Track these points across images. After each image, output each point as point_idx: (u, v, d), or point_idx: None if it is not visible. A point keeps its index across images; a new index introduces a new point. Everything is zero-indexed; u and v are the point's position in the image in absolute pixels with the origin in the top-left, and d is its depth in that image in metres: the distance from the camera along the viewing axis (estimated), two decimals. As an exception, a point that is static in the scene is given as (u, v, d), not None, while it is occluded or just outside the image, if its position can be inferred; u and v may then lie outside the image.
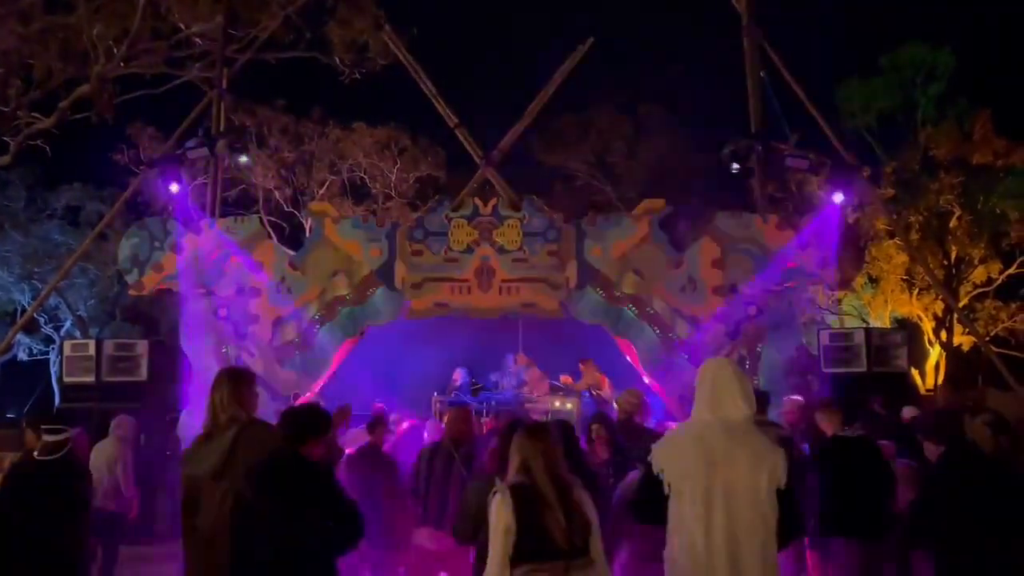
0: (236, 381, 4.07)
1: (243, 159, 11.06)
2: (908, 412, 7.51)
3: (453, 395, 12.33)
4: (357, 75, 16.23)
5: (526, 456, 3.48)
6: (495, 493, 3.43)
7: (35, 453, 4.57)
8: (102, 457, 7.05)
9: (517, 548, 3.30)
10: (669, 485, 3.38)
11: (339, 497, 3.69)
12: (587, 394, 11.46)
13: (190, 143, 10.81)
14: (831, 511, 5.24)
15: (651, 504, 3.44)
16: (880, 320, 19.55)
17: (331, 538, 3.63)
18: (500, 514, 3.33)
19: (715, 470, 3.32)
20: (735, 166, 10.50)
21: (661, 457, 3.48)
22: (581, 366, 11.53)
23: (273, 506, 3.53)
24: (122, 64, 14.08)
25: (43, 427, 4.57)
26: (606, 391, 11.24)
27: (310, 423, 3.81)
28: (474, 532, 4.02)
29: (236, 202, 20.24)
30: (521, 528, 3.30)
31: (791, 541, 3.54)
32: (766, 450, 3.37)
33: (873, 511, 5.23)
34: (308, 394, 10.35)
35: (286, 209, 21.64)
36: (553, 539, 3.30)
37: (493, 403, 12.18)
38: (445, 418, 6.43)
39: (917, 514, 4.45)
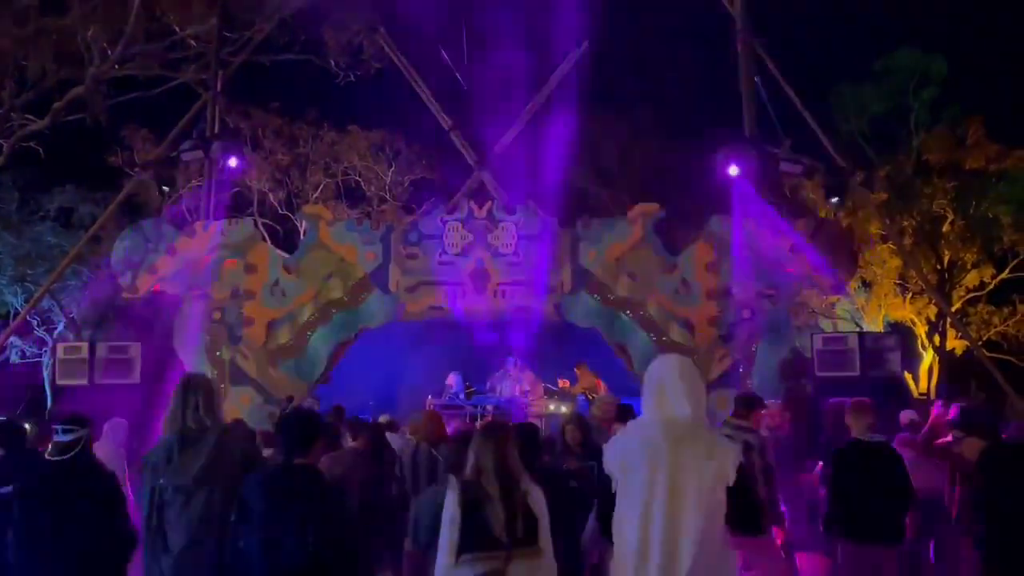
0: (209, 388, 4.08)
1: (233, 163, 11.01)
2: (906, 416, 7.52)
3: (447, 398, 12.34)
4: (352, 78, 16.22)
5: (478, 454, 3.73)
6: (449, 488, 3.69)
7: (46, 454, 4.53)
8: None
9: (462, 538, 3.54)
10: (616, 483, 3.41)
11: (337, 511, 3.69)
12: (582, 397, 11.47)
13: (184, 145, 10.81)
14: (843, 515, 5.20)
15: (610, 507, 3.46)
16: (873, 324, 19.58)
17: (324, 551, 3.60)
18: (448, 507, 3.61)
19: (656, 468, 3.30)
20: (731, 170, 10.51)
21: (609, 456, 3.50)
22: (577, 370, 11.54)
23: (268, 514, 3.53)
24: (116, 66, 14.04)
25: (57, 427, 4.54)
26: (601, 394, 11.25)
27: (308, 432, 3.80)
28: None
29: (230, 204, 20.18)
30: (465, 520, 3.55)
31: (745, 535, 3.51)
32: (712, 449, 3.34)
33: (887, 517, 5.17)
34: (302, 397, 10.33)
35: (280, 212, 21.61)
36: (492, 531, 3.54)
37: (488, 407, 12.19)
38: (411, 422, 6.44)
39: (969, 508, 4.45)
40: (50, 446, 4.49)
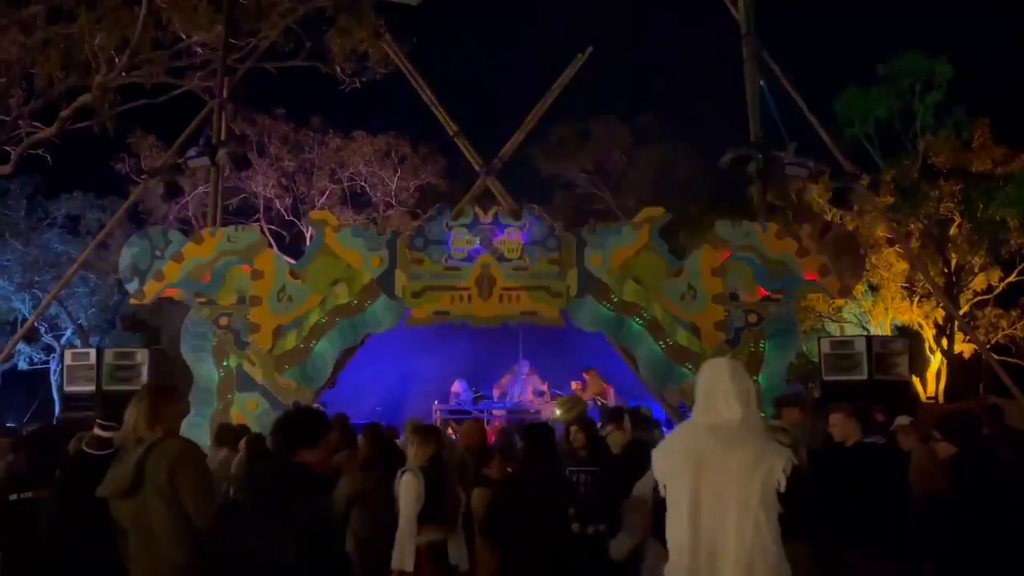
0: (155, 397, 3.98)
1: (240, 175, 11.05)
2: (902, 421, 7.47)
3: (454, 404, 12.36)
4: (357, 84, 16.28)
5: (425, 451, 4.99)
6: (403, 472, 4.85)
7: (83, 445, 4.59)
8: None
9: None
10: (664, 488, 3.34)
11: (325, 510, 3.74)
12: (591, 403, 11.49)
13: (191, 152, 10.83)
14: (844, 519, 5.17)
15: (662, 511, 3.41)
16: (880, 328, 19.55)
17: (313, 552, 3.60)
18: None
19: (702, 473, 3.23)
20: (736, 174, 10.51)
21: (657, 461, 3.44)
22: (586, 375, 11.54)
23: (261, 513, 3.55)
24: (123, 74, 14.10)
25: (98, 421, 4.59)
26: (610, 400, 11.26)
27: (304, 430, 3.82)
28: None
29: (237, 211, 20.28)
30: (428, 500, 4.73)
31: (795, 541, 3.45)
32: (762, 453, 3.25)
33: (887, 521, 5.14)
34: (308, 403, 10.35)
35: (286, 218, 21.69)
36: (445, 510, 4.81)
37: (494, 411, 12.20)
38: (453, 429, 6.49)
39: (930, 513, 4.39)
40: (86, 440, 4.55)
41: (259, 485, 3.92)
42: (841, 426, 5.48)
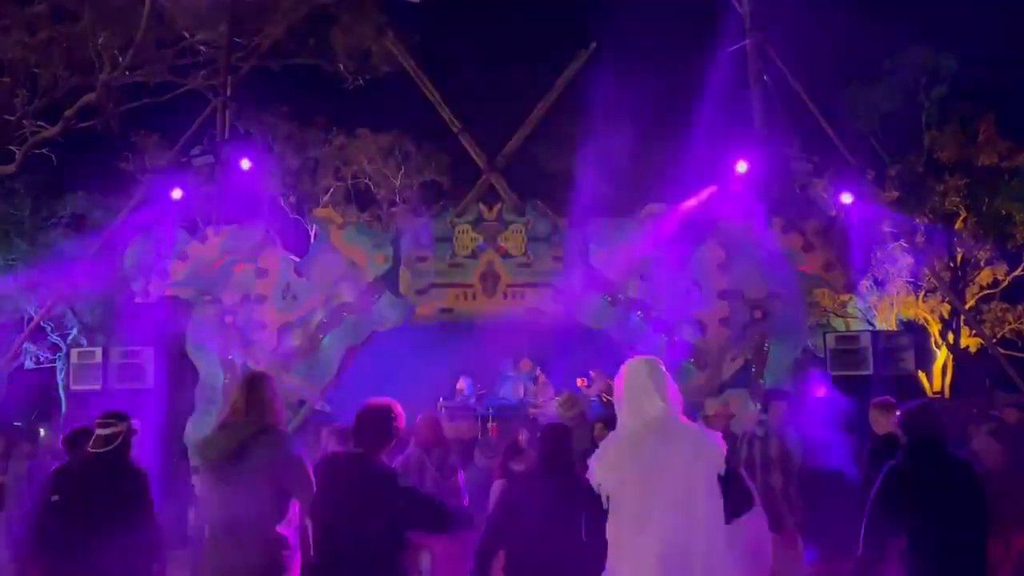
0: (251, 386, 4.16)
1: (245, 164, 11.03)
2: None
3: (458, 401, 12.37)
4: (360, 82, 16.28)
5: None
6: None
7: (88, 447, 4.60)
8: None
9: None
10: (607, 499, 3.25)
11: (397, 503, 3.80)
12: (596, 399, 11.50)
13: (195, 151, 10.84)
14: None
15: (591, 517, 3.34)
16: (886, 323, 19.51)
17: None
18: None
19: (648, 474, 3.20)
20: (741, 169, 10.48)
21: (598, 469, 3.34)
22: (592, 373, 11.53)
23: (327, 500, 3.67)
24: (127, 72, 14.15)
25: (97, 421, 4.62)
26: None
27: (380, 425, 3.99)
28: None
29: (241, 209, 20.26)
30: None
31: (737, 518, 3.41)
32: (697, 441, 3.26)
33: None
34: (314, 400, 10.36)
35: (291, 215, 21.69)
36: None
37: (498, 408, 12.20)
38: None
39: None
40: (91, 442, 4.57)
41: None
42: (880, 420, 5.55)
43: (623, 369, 3.52)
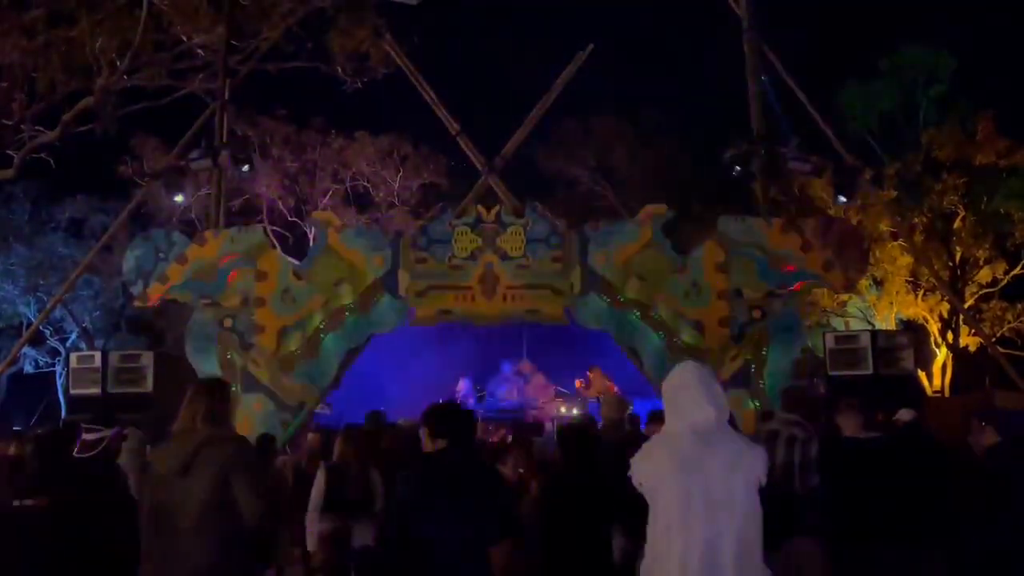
0: (209, 394, 4.12)
1: (245, 168, 11.03)
2: (905, 415, 7.42)
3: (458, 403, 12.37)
4: (359, 84, 16.27)
5: (340, 449, 5.95)
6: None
7: (74, 452, 4.62)
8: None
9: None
10: (648, 496, 3.35)
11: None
12: (594, 401, 11.50)
13: (193, 154, 10.83)
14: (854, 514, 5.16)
15: (637, 517, 3.44)
16: (885, 322, 19.50)
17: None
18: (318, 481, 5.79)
19: (688, 478, 3.25)
20: (736, 168, 10.48)
21: (640, 470, 3.43)
22: (589, 374, 11.54)
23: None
24: (125, 76, 14.13)
25: (82, 425, 4.66)
26: (612, 395, 11.25)
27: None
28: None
29: (240, 212, 20.29)
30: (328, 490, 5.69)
31: (781, 539, 3.48)
32: (739, 450, 3.30)
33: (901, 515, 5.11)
34: (314, 403, 10.36)
35: (289, 219, 21.71)
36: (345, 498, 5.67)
37: (498, 410, 12.22)
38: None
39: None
40: (77, 447, 4.61)
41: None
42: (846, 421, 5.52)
43: (672, 373, 3.55)
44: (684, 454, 3.31)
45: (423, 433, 3.81)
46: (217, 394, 4.14)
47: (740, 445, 3.36)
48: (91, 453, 4.54)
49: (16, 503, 4.86)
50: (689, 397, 3.39)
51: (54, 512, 4.46)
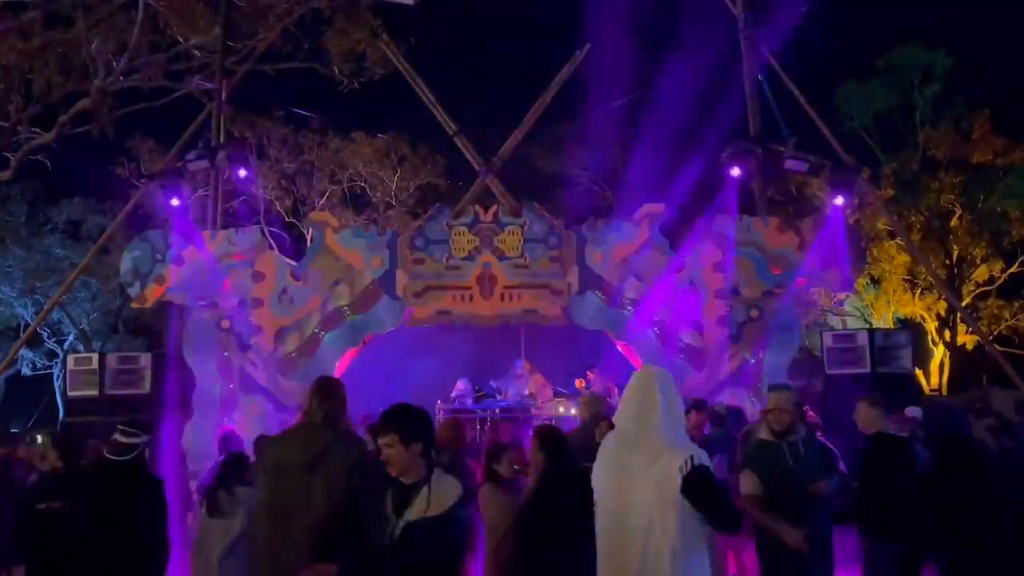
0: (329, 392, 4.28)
1: (242, 173, 11.02)
2: (910, 412, 7.48)
3: (456, 403, 12.36)
4: (356, 85, 16.27)
5: None
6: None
7: (105, 451, 4.62)
8: None
9: None
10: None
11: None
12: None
13: (190, 155, 10.82)
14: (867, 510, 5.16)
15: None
16: (883, 321, 19.55)
17: None
18: None
19: (614, 481, 3.41)
20: (736, 170, 10.48)
21: (594, 470, 3.63)
22: (589, 374, 11.53)
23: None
24: (121, 78, 14.12)
25: (119, 427, 4.63)
26: (615, 398, 11.25)
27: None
28: None
29: (237, 213, 20.27)
30: None
31: (723, 532, 3.55)
32: (659, 455, 3.32)
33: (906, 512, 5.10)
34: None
35: (287, 219, 21.69)
36: None
37: (497, 410, 12.20)
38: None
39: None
40: (109, 448, 4.60)
41: None
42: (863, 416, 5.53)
43: (635, 374, 3.64)
44: (614, 455, 3.47)
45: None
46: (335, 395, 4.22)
47: (661, 448, 3.34)
48: (121, 457, 4.51)
49: (42, 506, 4.84)
50: (635, 401, 3.52)
51: (75, 514, 4.47)
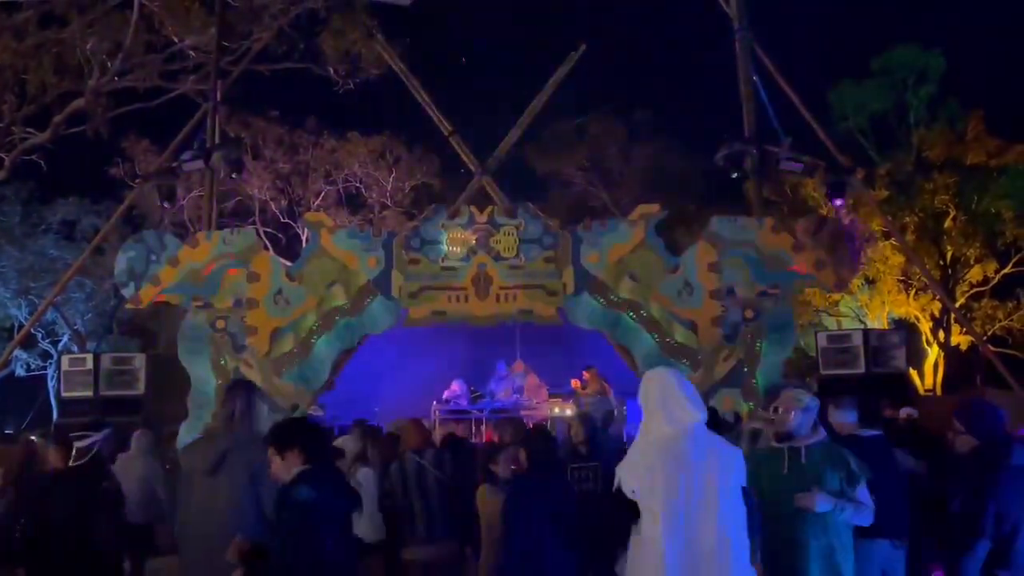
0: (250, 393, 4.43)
1: (234, 175, 11.02)
2: (905, 412, 7.51)
3: (452, 404, 12.37)
4: (351, 85, 16.26)
5: None
6: None
7: (70, 461, 4.65)
8: (130, 470, 7.02)
9: None
10: (639, 500, 3.44)
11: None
12: (586, 401, 11.48)
13: (185, 156, 10.80)
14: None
15: (622, 525, 3.53)
16: (877, 321, 19.58)
17: None
18: None
19: (677, 478, 3.34)
20: (735, 173, 10.51)
21: (629, 475, 3.51)
22: (585, 374, 11.54)
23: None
24: (116, 78, 14.10)
25: (71, 434, 4.68)
26: (612, 398, 11.27)
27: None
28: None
29: (232, 214, 20.26)
30: None
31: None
32: (729, 451, 3.46)
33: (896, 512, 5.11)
34: (307, 405, 10.34)
35: (282, 220, 21.67)
36: None
37: (492, 411, 12.21)
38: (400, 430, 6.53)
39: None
40: (73, 454, 4.64)
41: None
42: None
43: (649, 378, 3.63)
44: (674, 455, 3.39)
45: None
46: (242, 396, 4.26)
47: (727, 445, 3.47)
48: (84, 460, 4.54)
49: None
50: (678, 400, 3.48)
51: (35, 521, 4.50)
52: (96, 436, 4.66)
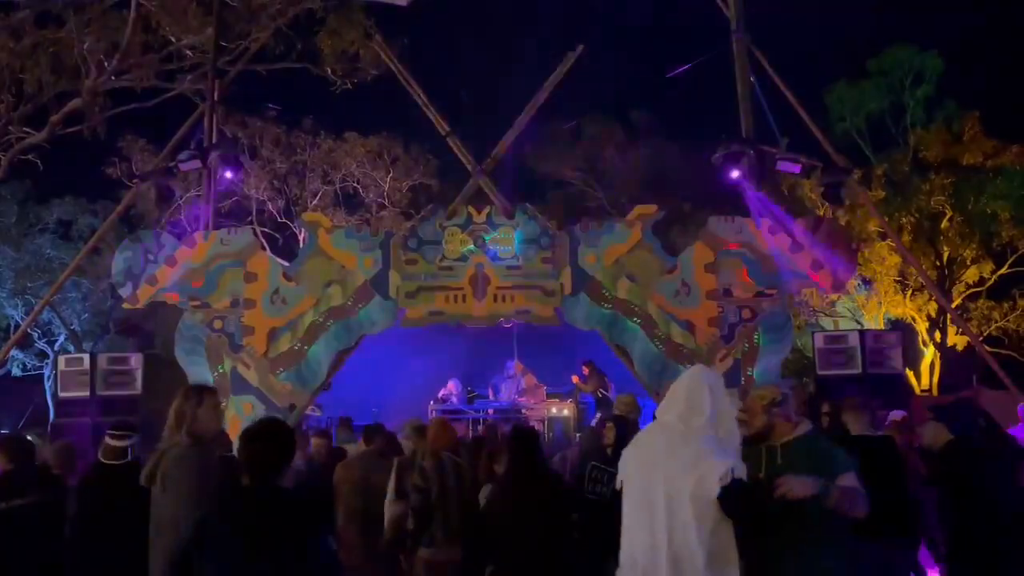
0: (180, 399, 4.29)
1: (228, 175, 11.00)
2: (895, 415, 7.50)
3: (448, 404, 12.38)
4: (348, 85, 16.24)
5: None
6: None
7: (100, 457, 4.66)
8: None
9: None
10: (622, 484, 3.52)
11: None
12: (589, 397, 11.54)
13: (182, 156, 10.79)
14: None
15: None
16: (874, 321, 19.62)
17: None
18: None
19: (654, 472, 3.36)
20: (734, 173, 10.51)
21: (622, 459, 3.61)
22: (585, 369, 11.58)
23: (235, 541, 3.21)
24: (113, 77, 14.06)
25: (109, 432, 4.67)
26: (611, 393, 11.31)
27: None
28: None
29: (229, 213, 20.23)
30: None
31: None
32: (698, 459, 3.31)
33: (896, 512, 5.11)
34: (304, 405, 10.34)
35: (279, 220, 21.65)
36: None
37: (489, 411, 12.22)
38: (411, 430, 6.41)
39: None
40: (102, 449, 4.59)
41: None
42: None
43: (684, 373, 3.66)
44: (654, 448, 3.44)
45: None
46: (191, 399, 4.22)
47: (702, 453, 3.33)
48: (118, 461, 4.53)
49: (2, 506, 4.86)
50: (671, 398, 3.50)
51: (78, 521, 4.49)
52: (135, 437, 4.66)
